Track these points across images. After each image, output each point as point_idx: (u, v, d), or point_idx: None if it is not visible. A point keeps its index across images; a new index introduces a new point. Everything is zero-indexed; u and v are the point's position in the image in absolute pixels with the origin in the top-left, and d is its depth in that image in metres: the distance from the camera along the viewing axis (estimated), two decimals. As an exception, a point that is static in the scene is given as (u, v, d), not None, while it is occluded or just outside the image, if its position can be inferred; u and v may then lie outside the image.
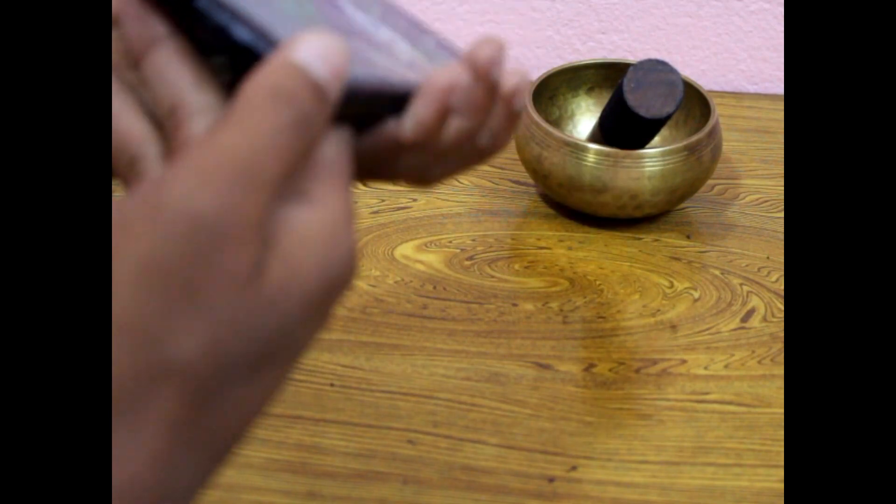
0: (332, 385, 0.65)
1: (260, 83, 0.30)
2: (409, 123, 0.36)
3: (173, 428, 0.28)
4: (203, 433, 0.29)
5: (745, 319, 0.70)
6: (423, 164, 0.38)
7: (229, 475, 0.59)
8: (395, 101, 0.36)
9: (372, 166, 0.38)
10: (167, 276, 0.28)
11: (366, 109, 0.35)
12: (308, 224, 0.31)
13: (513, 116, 0.39)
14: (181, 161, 0.29)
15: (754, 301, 0.72)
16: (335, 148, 0.32)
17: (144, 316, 0.28)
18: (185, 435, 0.29)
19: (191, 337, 0.28)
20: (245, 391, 0.30)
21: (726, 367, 0.67)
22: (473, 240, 0.77)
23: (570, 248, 0.76)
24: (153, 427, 0.28)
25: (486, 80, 0.36)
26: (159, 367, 0.28)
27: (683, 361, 0.67)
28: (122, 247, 0.28)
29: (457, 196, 0.81)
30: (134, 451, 0.28)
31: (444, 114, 0.36)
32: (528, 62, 1.00)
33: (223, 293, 0.28)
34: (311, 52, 0.30)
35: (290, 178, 0.31)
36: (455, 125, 0.37)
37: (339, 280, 0.31)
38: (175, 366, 0.28)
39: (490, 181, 0.83)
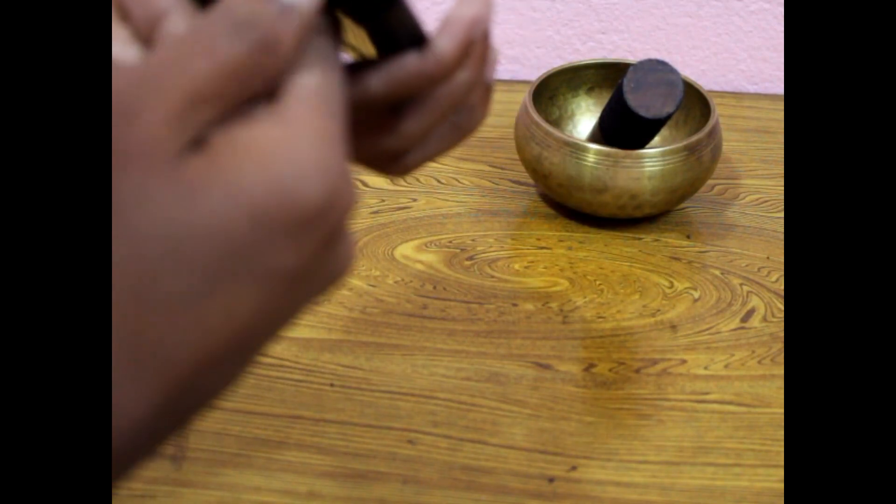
0: (332, 385, 0.65)
1: (219, 8, 0.30)
2: (436, 51, 0.35)
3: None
4: (145, 343, 0.28)
5: (745, 319, 0.70)
6: (414, 133, 0.37)
7: (229, 475, 0.59)
8: (414, 32, 0.34)
9: (367, 124, 0.37)
10: None
11: (394, 25, 0.34)
12: (261, 136, 0.29)
13: (487, 90, 0.38)
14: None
15: (754, 301, 0.72)
16: (321, 78, 0.31)
17: None
18: (124, 338, 0.27)
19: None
20: (193, 306, 0.28)
21: (726, 367, 0.67)
22: (473, 240, 0.77)
23: (570, 248, 0.76)
24: None
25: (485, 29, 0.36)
26: None
27: (683, 361, 0.67)
28: None
29: (457, 196, 0.82)
30: None
31: (467, 46, 0.35)
32: (528, 62, 1.00)
33: (131, 171, 0.27)
34: None
35: (247, 99, 0.30)
36: (462, 77, 0.36)
37: (304, 199, 0.29)
38: None
39: (490, 181, 0.83)
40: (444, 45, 0.35)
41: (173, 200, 0.27)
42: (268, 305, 0.30)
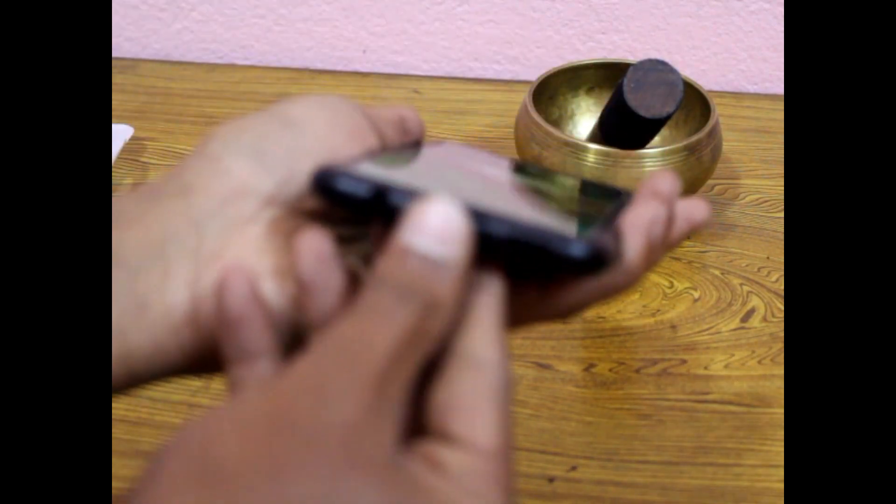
0: (332, 385, 0.65)
1: (379, 277, 0.29)
2: (625, 267, 0.34)
3: None
4: None
5: (745, 319, 0.70)
6: (581, 301, 0.36)
7: (229, 475, 0.59)
8: (543, 252, 0.32)
9: (527, 314, 0.36)
10: (279, 427, 0.26)
11: (519, 259, 0.32)
12: (461, 485, 0.29)
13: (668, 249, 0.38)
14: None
15: (754, 301, 0.72)
16: (499, 412, 0.33)
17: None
18: None
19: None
20: None
21: (726, 367, 0.67)
22: (473, 240, 0.77)
23: (570, 248, 0.76)
24: None
25: (671, 212, 0.36)
26: None
27: (683, 361, 0.67)
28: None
29: (457, 196, 0.81)
30: None
31: (650, 250, 0.35)
32: (528, 62, 1.00)
33: (333, 463, 0.26)
34: (428, 235, 0.29)
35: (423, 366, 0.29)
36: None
37: None
38: None
39: (490, 181, 0.83)
40: (631, 257, 0.35)
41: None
42: None
